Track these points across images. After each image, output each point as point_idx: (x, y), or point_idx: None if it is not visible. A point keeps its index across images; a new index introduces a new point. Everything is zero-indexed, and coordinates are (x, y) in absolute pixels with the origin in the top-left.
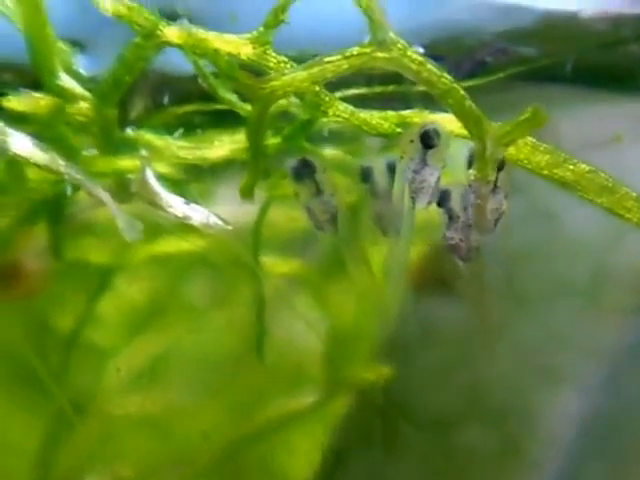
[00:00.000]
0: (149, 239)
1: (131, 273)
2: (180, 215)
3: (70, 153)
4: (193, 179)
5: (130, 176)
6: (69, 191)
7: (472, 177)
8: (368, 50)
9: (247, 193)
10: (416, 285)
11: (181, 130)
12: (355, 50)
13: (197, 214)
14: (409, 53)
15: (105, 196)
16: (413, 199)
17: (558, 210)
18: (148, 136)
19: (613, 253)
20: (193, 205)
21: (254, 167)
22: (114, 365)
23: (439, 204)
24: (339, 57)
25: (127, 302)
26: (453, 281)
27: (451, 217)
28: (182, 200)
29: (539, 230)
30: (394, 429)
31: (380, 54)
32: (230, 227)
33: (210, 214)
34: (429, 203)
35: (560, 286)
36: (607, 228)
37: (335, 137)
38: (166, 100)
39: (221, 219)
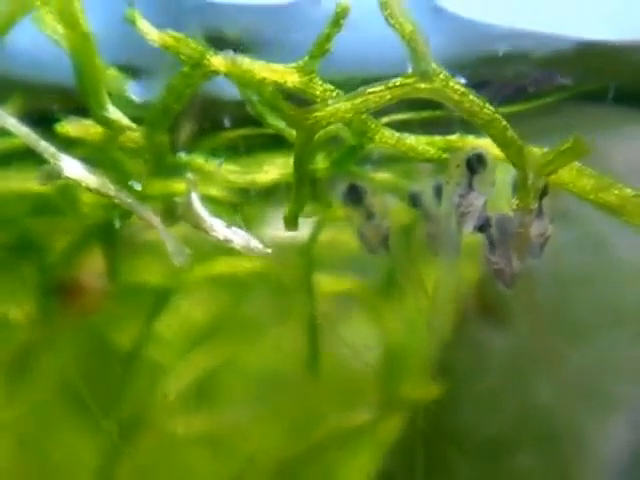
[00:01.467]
0: (205, 259)
1: (189, 292)
2: (222, 238)
3: (123, 178)
4: (248, 202)
5: (177, 199)
6: (118, 216)
7: (515, 205)
8: (410, 81)
9: (291, 221)
10: (470, 309)
11: (225, 155)
12: (398, 81)
13: (238, 237)
14: (451, 84)
15: (155, 220)
16: (460, 223)
17: (609, 236)
18: (199, 160)
19: None
20: (235, 229)
21: (299, 196)
22: (171, 383)
23: (480, 229)
24: (382, 88)
25: (185, 320)
26: (506, 307)
27: (492, 243)
28: (224, 224)
29: (591, 257)
30: (444, 454)
31: (422, 85)
32: (269, 250)
33: (251, 238)
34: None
35: (612, 313)
36: None
37: (387, 160)
38: (218, 124)
39: (262, 242)
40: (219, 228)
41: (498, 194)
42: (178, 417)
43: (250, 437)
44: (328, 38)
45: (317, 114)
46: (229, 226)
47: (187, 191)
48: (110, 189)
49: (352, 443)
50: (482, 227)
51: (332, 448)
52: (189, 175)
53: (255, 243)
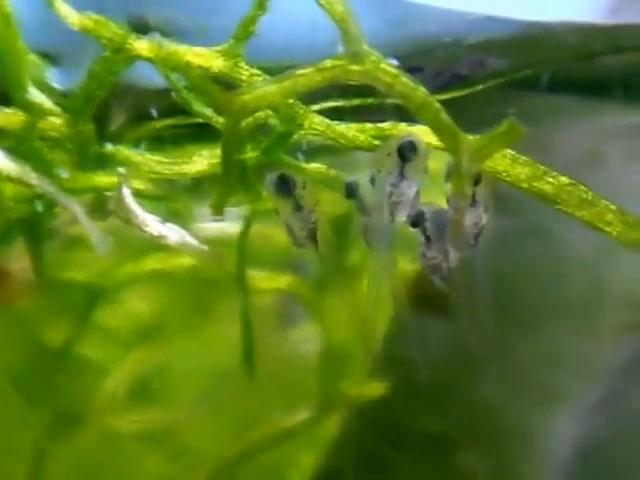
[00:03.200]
0: (138, 256)
1: (122, 288)
2: (156, 234)
3: (45, 169)
4: (174, 195)
5: (108, 193)
6: (41, 207)
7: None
8: (341, 63)
9: (217, 209)
10: (410, 303)
11: (152, 146)
12: (328, 63)
13: (173, 233)
14: (383, 66)
15: (78, 210)
16: (392, 213)
17: (552, 228)
18: (126, 151)
19: (608, 271)
20: (169, 225)
21: (226, 183)
22: (106, 380)
23: (414, 224)
24: (311, 70)
25: (121, 317)
26: (446, 300)
27: (428, 237)
28: (158, 219)
29: (533, 249)
30: (384, 451)
31: (353, 67)
32: (206, 247)
33: (186, 234)
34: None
35: (554, 305)
36: (600, 245)
37: (325, 150)
38: (145, 114)
39: (198, 239)
40: (152, 224)
41: (433, 182)
42: (115, 414)
43: (190, 434)
44: (252, 20)
45: (244, 97)
46: (163, 222)
47: (118, 185)
48: (32, 178)
49: (293, 441)
50: (416, 222)
51: (273, 446)
52: (120, 169)
53: (190, 239)
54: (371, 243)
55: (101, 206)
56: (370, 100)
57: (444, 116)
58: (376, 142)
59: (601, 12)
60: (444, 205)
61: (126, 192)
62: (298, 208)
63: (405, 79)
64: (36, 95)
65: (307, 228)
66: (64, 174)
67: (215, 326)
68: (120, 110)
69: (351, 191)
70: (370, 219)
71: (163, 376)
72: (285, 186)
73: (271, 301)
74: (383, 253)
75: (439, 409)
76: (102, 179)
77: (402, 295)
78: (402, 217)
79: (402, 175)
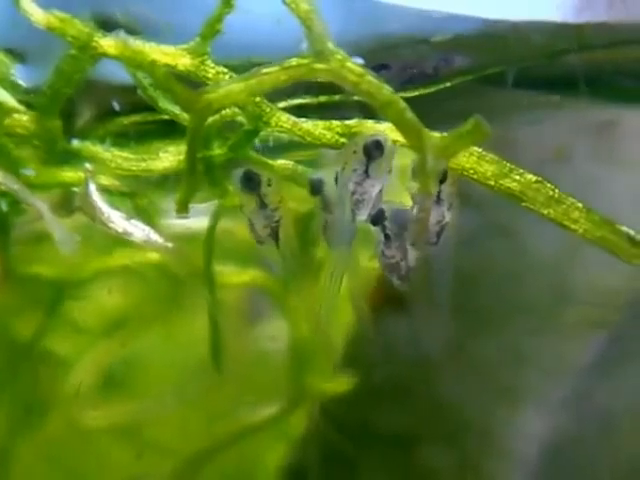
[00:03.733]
0: (105, 250)
1: (90, 283)
2: (120, 231)
3: (10, 165)
4: (140, 191)
5: (75, 189)
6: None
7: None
8: (306, 61)
9: (182, 207)
10: (373, 302)
11: (110, 140)
12: (293, 61)
13: (138, 230)
14: (348, 64)
15: (42, 207)
16: (354, 211)
17: (516, 225)
18: (92, 147)
19: (572, 268)
20: (134, 221)
21: (190, 180)
22: (76, 374)
23: (374, 222)
24: (277, 68)
25: (89, 311)
26: (407, 298)
27: (387, 236)
28: (123, 216)
29: (497, 246)
30: (353, 446)
31: (319, 65)
32: (170, 244)
33: (151, 231)
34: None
35: (519, 303)
36: (565, 243)
37: (292, 146)
38: (111, 110)
39: (164, 235)
40: (118, 220)
41: (399, 180)
42: (82, 408)
43: (157, 429)
44: (219, 19)
45: (209, 95)
46: (128, 219)
47: (85, 181)
48: None
49: (259, 437)
50: (376, 220)
51: (239, 441)
52: (87, 165)
53: (155, 236)
54: (331, 241)
55: (67, 202)
56: (336, 97)
57: (409, 115)
58: (342, 139)
59: (566, 10)
60: (408, 202)
61: (92, 188)
62: (262, 205)
63: (370, 78)
64: (0, 94)
65: (270, 225)
66: (30, 171)
67: (183, 321)
68: (86, 106)
69: (315, 188)
70: (332, 216)
71: (131, 371)
72: (250, 183)
73: (238, 296)
74: (343, 251)
75: (403, 407)
76: (68, 175)
77: (362, 294)
78: (364, 215)
79: (366, 173)
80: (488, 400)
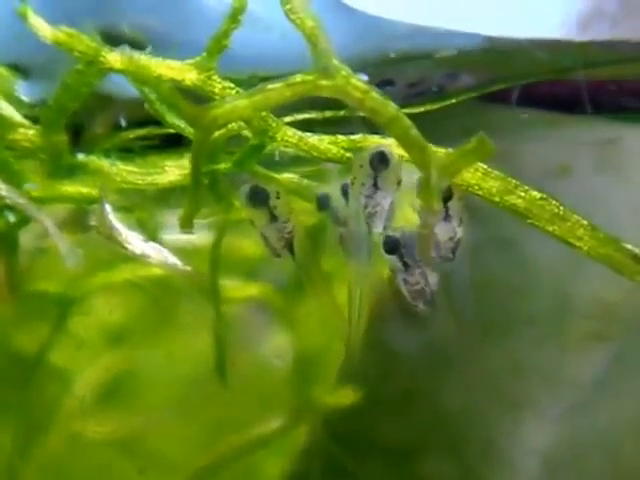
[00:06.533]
0: (108, 265)
1: (97, 298)
2: (138, 253)
3: (15, 180)
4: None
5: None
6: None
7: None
8: (311, 78)
9: (186, 222)
10: (379, 312)
11: (123, 156)
12: (298, 77)
13: (156, 253)
14: (353, 81)
15: (47, 222)
16: (369, 224)
17: (519, 238)
18: (98, 161)
19: (574, 280)
20: (152, 243)
21: (195, 196)
22: (78, 388)
23: (390, 252)
24: (282, 85)
25: (91, 326)
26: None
27: (405, 263)
28: (140, 237)
29: (500, 259)
30: (355, 457)
31: (324, 82)
32: (189, 268)
33: (169, 254)
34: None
35: (522, 315)
36: (568, 255)
37: (297, 161)
38: (118, 124)
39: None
40: (135, 242)
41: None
42: (84, 422)
43: (159, 443)
44: (226, 34)
45: (215, 111)
46: (146, 240)
47: (100, 200)
48: (1, 190)
49: (264, 448)
50: (392, 249)
51: (242, 455)
52: (101, 183)
53: (173, 260)
54: (349, 253)
55: (80, 219)
56: (341, 112)
57: (414, 132)
58: (348, 154)
59: (570, 28)
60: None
61: (108, 208)
62: (273, 218)
63: (375, 94)
64: (5, 108)
65: (283, 238)
66: (35, 185)
67: (186, 335)
68: (93, 119)
69: (323, 203)
70: (347, 230)
71: (133, 384)
72: (259, 197)
73: (242, 310)
74: (362, 263)
75: (404, 418)
76: (74, 189)
77: (380, 302)
78: (379, 227)
79: (376, 186)
80: (490, 412)
